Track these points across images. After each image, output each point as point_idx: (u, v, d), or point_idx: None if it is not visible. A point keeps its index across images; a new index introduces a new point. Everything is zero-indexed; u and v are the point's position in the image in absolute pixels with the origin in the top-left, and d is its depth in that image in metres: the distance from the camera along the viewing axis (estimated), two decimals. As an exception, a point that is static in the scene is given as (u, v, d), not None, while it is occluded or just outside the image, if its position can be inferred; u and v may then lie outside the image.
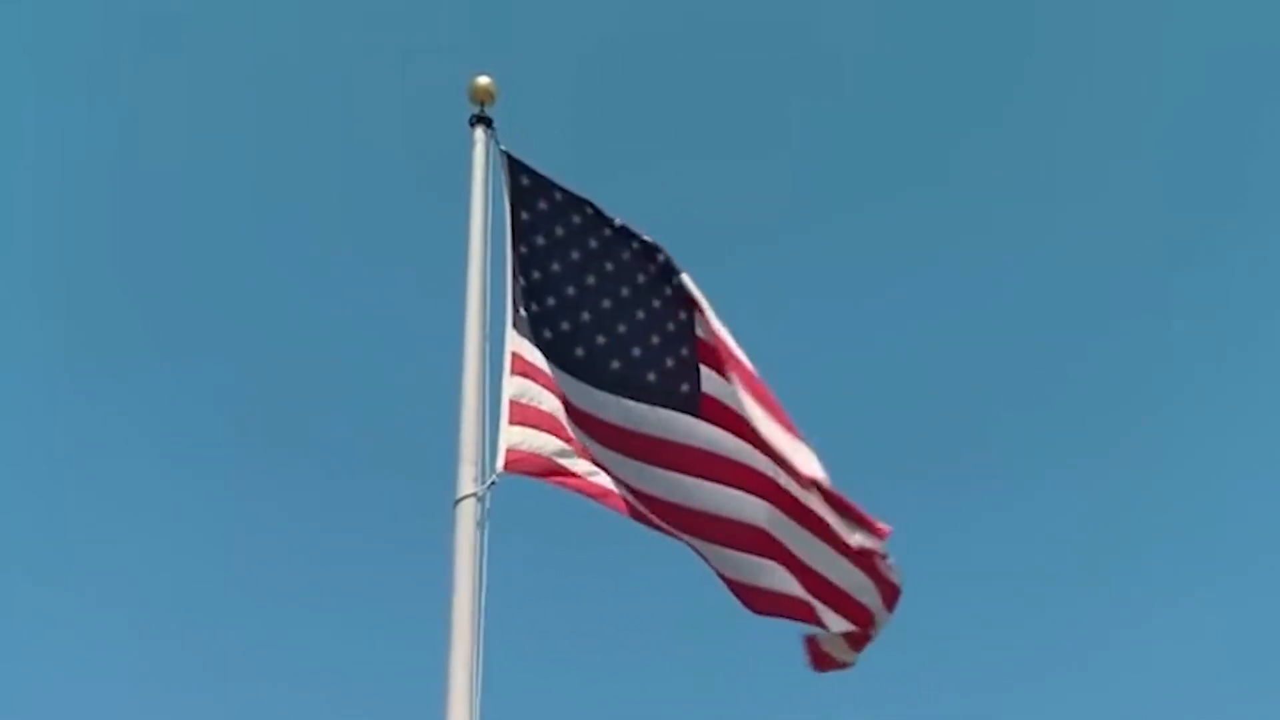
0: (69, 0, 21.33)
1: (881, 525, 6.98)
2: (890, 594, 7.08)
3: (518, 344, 6.81)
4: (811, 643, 7.19)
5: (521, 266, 7.19)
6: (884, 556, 6.84)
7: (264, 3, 22.24)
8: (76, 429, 21.28)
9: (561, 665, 19.12)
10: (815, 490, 6.81)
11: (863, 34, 23.70)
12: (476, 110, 7.58)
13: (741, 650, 16.00)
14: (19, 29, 21.02)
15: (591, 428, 6.98)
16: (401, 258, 21.95)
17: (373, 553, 20.82)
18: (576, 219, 7.38)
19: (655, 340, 7.25)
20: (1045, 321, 23.26)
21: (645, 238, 7.36)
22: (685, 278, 7.27)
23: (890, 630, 7.29)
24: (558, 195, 7.40)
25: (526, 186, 7.38)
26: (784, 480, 7.15)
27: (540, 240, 7.32)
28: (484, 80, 7.65)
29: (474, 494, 6.15)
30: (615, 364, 7.18)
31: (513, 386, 6.60)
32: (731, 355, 7.05)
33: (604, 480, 6.77)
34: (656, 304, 7.30)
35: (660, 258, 7.32)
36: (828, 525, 7.05)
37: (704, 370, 7.20)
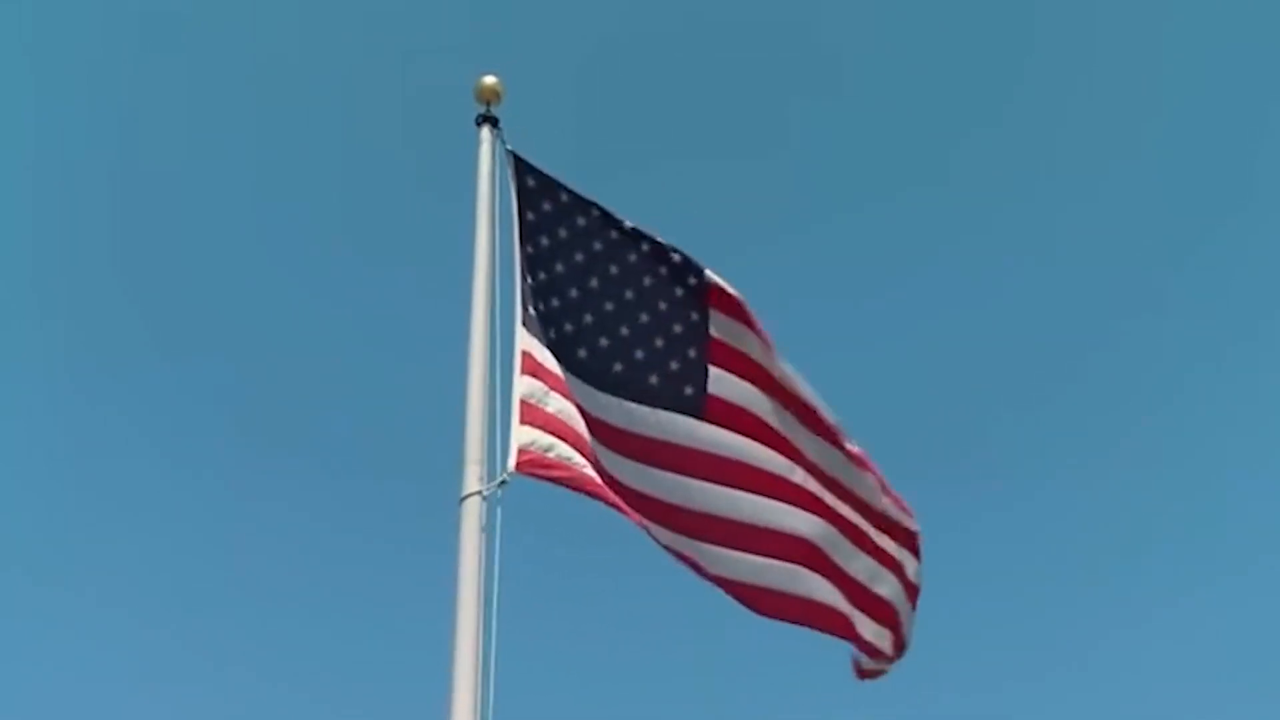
0: (69, 0, 21.34)
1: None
2: (912, 592, 7.13)
3: (527, 343, 6.79)
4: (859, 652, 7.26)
5: (528, 266, 7.20)
6: (913, 539, 6.93)
7: (264, 2, 22.25)
8: (76, 429, 21.29)
9: (566, 665, 19.12)
10: (851, 466, 6.90)
11: (863, 34, 23.73)
12: (482, 110, 7.58)
13: (743, 650, 16.03)
14: (19, 29, 21.04)
15: (594, 429, 6.99)
16: (402, 257, 22.00)
17: (377, 553, 20.85)
18: (582, 221, 7.38)
19: (659, 343, 7.27)
20: (1045, 321, 23.30)
21: (658, 239, 7.38)
22: (711, 274, 7.31)
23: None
24: (564, 196, 7.40)
25: (532, 187, 7.38)
26: (799, 477, 7.18)
27: (545, 241, 7.32)
28: (490, 80, 7.65)
29: (478, 492, 6.13)
30: (618, 366, 7.20)
31: (523, 385, 6.58)
32: (761, 357, 7.11)
33: (606, 483, 6.72)
34: (663, 306, 7.32)
35: (675, 258, 7.34)
36: (849, 522, 7.09)
37: (714, 371, 7.23)
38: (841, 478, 7.24)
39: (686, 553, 7.05)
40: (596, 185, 7.51)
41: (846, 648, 7.47)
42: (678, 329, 7.29)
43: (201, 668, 19.39)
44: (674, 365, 7.23)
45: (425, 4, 22.79)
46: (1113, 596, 20.78)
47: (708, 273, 7.34)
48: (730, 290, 7.34)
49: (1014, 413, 23.03)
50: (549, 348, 7.00)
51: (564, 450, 6.52)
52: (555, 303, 7.22)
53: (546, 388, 6.70)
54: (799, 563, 7.21)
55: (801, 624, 7.28)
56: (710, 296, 7.34)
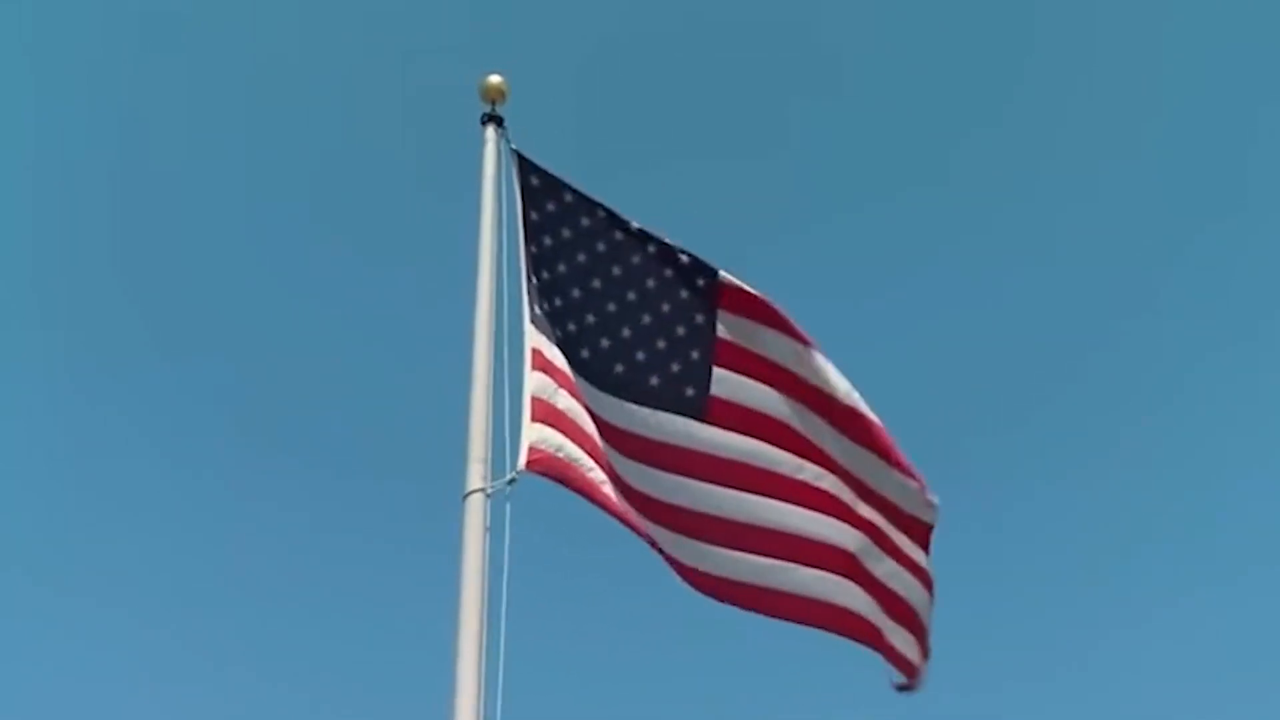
0: (69, 0, 21.34)
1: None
2: (926, 581, 7.12)
3: (537, 340, 6.81)
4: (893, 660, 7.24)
5: (533, 266, 7.21)
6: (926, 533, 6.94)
7: (264, 2, 22.25)
8: (77, 428, 21.29)
9: (569, 665, 19.11)
10: (882, 465, 6.90)
11: (864, 35, 23.75)
12: (487, 109, 7.61)
13: (746, 651, 16.04)
14: (19, 29, 21.04)
15: (599, 429, 7.00)
16: (404, 256, 22.00)
17: (380, 552, 20.84)
18: (586, 221, 7.39)
19: (661, 345, 7.27)
20: (1045, 322, 23.32)
21: (666, 240, 7.37)
22: (727, 276, 7.29)
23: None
24: (568, 197, 7.41)
25: (536, 187, 7.40)
26: (809, 476, 7.16)
27: (548, 241, 7.34)
28: (495, 79, 7.67)
29: (482, 489, 6.13)
30: (619, 368, 7.21)
31: (534, 382, 6.59)
32: (781, 356, 7.11)
33: (612, 490, 6.71)
34: (666, 308, 7.32)
35: (683, 260, 7.32)
36: (870, 523, 7.07)
37: (718, 372, 7.23)
38: (869, 479, 7.17)
39: (684, 558, 7.05)
40: (598, 184, 7.53)
41: (847, 647, 7.45)
42: (681, 331, 7.29)
43: (201, 668, 19.41)
44: (675, 367, 7.23)
45: (427, 3, 22.81)
46: (1113, 596, 20.82)
47: (722, 274, 7.30)
48: (749, 290, 7.29)
49: (1014, 413, 23.08)
50: (556, 346, 7.02)
51: (572, 450, 6.53)
52: (558, 302, 7.23)
53: (556, 385, 6.71)
54: (803, 563, 7.18)
55: (811, 625, 7.25)
56: (721, 298, 7.29)
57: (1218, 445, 21.96)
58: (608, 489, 6.65)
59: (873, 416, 7.16)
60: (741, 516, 7.15)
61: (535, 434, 6.37)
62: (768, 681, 17.52)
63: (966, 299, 23.35)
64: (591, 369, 7.13)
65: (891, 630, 7.23)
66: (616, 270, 7.35)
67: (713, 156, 23.53)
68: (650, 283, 7.35)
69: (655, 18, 23.28)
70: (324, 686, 19.63)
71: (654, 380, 7.19)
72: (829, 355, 7.25)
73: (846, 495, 7.22)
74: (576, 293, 7.28)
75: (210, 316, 21.91)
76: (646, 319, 7.31)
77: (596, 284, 7.31)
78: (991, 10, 23.49)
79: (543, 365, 6.70)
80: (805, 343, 7.25)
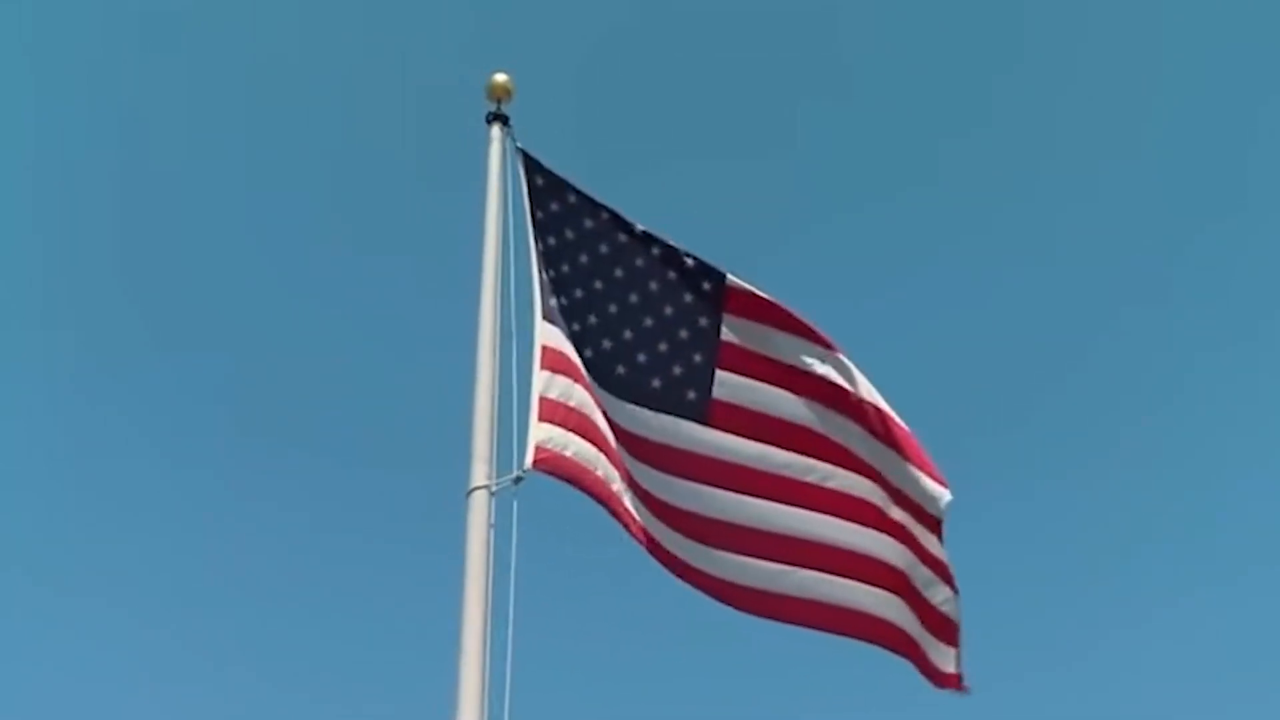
0: (69, 0, 21.33)
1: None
2: (944, 572, 7.10)
3: (548, 336, 6.79)
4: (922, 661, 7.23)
5: (543, 262, 7.21)
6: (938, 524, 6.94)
7: (265, 2, 22.25)
8: (77, 426, 21.26)
9: (573, 664, 19.10)
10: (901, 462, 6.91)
11: (866, 35, 23.74)
12: (493, 108, 7.63)
13: (749, 651, 16.04)
14: (19, 29, 21.03)
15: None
16: (407, 252, 22.00)
17: (383, 551, 20.82)
18: (589, 223, 7.40)
19: (663, 347, 7.27)
20: (1045, 321, 23.31)
21: (670, 244, 7.37)
22: (734, 279, 7.29)
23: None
24: (572, 198, 7.43)
25: (541, 186, 7.41)
26: (815, 477, 7.15)
27: (551, 241, 7.34)
28: (501, 77, 7.68)
29: (486, 486, 6.13)
30: (620, 369, 7.21)
31: (542, 380, 6.58)
32: (794, 359, 7.10)
33: (620, 490, 6.72)
34: (669, 311, 7.32)
35: (688, 263, 7.32)
36: (896, 524, 7.05)
37: (721, 375, 7.22)
38: (893, 478, 7.13)
39: (692, 561, 7.05)
40: (601, 182, 7.56)
41: (850, 648, 7.41)
42: (684, 334, 7.29)
43: (201, 668, 19.40)
44: (677, 370, 7.23)
45: (430, 3, 22.80)
46: (1113, 596, 20.82)
47: (730, 278, 7.30)
48: (760, 294, 7.28)
49: (1014, 412, 23.08)
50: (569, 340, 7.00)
51: (580, 448, 6.52)
52: (562, 301, 7.24)
53: (570, 381, 6.69)
54: (809, 566, 7.14)
55: (817, 629, 7.20)
56: (728, 302, 7.29)
57: (1218, 445, 21.98)
58: (616, 487, 6.65)
59: (896, 417, 7.15)
60: (744, 520, 7.13)
61: (543, 433, 6.37)
62: (772, 681, 17.53)
63: (966, 299, 23.37)
64: (594, 369, 7.12)
65: (915, 628, 7.19)
66: (619, 272, 7.36)
67: (715, 156, 23.56)
68: (653, 285, 7.35)
69: (659, 17, 23.31)
70: (325, 686, 19.65)
71: (655, 382, 7.20)
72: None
73: (869, 495, 7.16)
74: (579, 293, 7.29)
75: (213, 313, 21.92)
76: (649, 321, 7.31)
77: (599, 285, 7.32)
78: (992, 11, 23.52)
79: (553, 362, 6.69)
80: (828, 346, 7.24)
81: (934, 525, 7.08)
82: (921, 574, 7.12)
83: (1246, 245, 22.50)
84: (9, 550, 19.84)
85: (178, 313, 21.84)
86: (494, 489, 6.15)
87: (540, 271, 7.10)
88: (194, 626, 19.47)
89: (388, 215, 22.08)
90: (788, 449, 7.19)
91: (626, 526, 6.69)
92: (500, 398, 6.53)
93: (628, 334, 7.25)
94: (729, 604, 7.14)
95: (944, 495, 7.01)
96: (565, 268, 7.31)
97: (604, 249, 7.37)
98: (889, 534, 7.17)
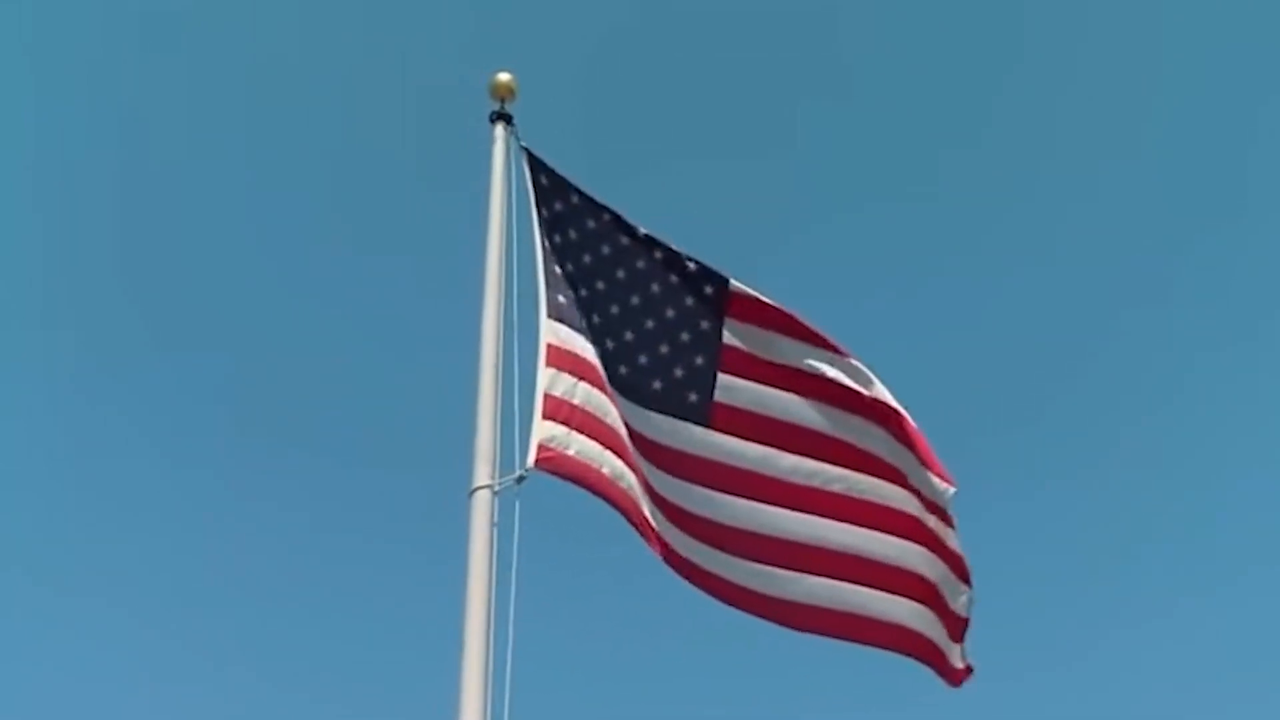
0: (69, 0, 21.33)
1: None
2: (962, 570, 7.09)
3: (553, 334, 6.76)
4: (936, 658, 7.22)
5: (553, 259, 7.21)
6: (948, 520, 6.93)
7: (265, 2, 22.24)
8: (77, 426, 21.25)
9: (576, 664, 19.11)
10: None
11: (868, 36, 23.74)
12: (497, 106, 7.62)
13: (752, 651, 16.03)
14: (19, 29, 21.03)
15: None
16: (409, 251, 22.00)
17: (385, 551, 20.83)
18: (592, 224, 7.40)
19: (664, 349, 7.27)
20: (1045, 322, 23.32)
21: (672, 248, 7.38)
22: (737, 284, 7.29)
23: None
24: (574, 199, 7.42)
25: (545, 186, 7.41)
26: (819, 481, 7.13)
27: (556, 239, 7.34)
28: (505, 76, 7.68)
29: (489, 485, 6.12)
30: (621, 370, 7.20)
31: (546, 378, 6.56)
32: (799, 362, 7.10)
33: (626, 487, 6.68)
34: (670, 313, 7.32)
35: (690, 267, 7.32)
36: (901, 515, 7.04)
37: (723, 379, 7.21)
38: (914, 479, 7.10)
39: (701, 563, 7.03)
40: (603, 182, 7.56)
41: (848, 648, 7.41)
42: (685, 337, 7.29)
43: (201, 668, 19.40)
44: (679, 372, 7.23)
45: (431, 2, 22.79)
46: (1113, 596, 20.83)
47: (733, 283, 7.31)
48: (763, 300, 7.28)
49: (1014, 412, 23.08)
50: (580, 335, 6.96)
51: (584, 446, 6.49)
52: (567, 299, 7.24)
53: (575, 378, 6.66)
54: (817, 573, 7.13)
55: (823, 634, 7.17)
56: (731, 306, 7.29)
57: (1218, 445, 21.99)
58: (624, 485, 6.62)
59: (909, 418, 7.14)
60: (746, 524, 7.12)
61: (546, 431, 6.35)
62: (773, 681, 17.52)
63: (966, 299, 23.38)
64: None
65: (941, 636, 7.18)
66: (621, 274, 7.36)
67: (717, 156, 23.57)
68: (655, 287, 7.35)
69: (660, 17, 23.31)
70: (327, 686, 19.66)
71: (656, 384, 7.19)
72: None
73: (891, 500, 7.13)
74: (582, 292, 7.28)
75: (213, 313, 21.91)
76: (650, 323, 7.31)
77: (601, 286, 7.32)
78: (993, 12, 23.52)
79: (558, 360, 6.66)
80: (838, 352, 7.24)
81: (950, 521, 7.09)
82: (950, 581, 7.13)
83: (1247, 246, 22.53)
84: (9, 550, 19.86)
85: (178, 313, 21.84)
86: (497, 489, 6.13)
87: (546, 269, 7.09)
88: (194, 626, 19.49)
89: (388, 215, 22.10)
90: (793, 452, 7.18)
91: (633, 523, 6.66)
92: (506, 397, 6.52)
93: (629, 335, 7.25)
94: (740, 608, 7.12)
95: (949, 490, 7.00)
96: (569, 267, 7.31)
97: (606, 250, 7.37)
98: (916, 541, 7.15)
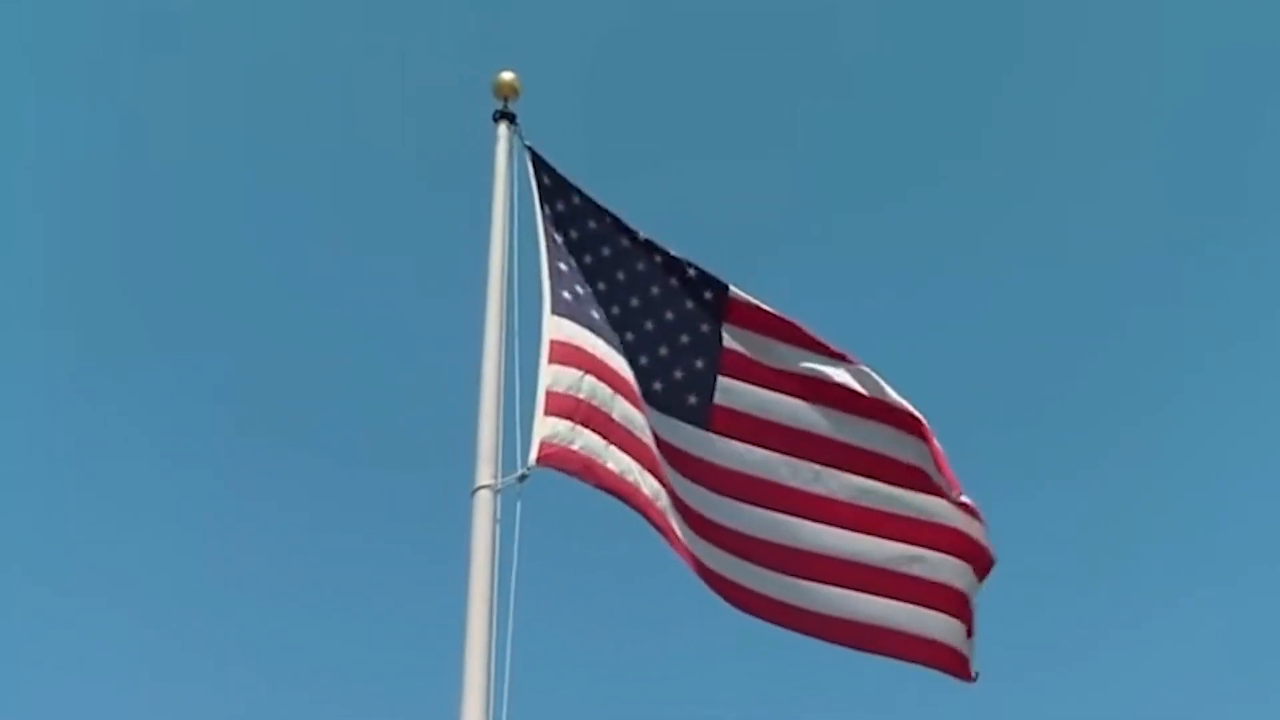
0: (69, 0, 21.32)
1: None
2: (981, 559, 7.08)
3: (557, 331, 6.73)
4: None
5: (557, 256, 7.20)
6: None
7: (265, 2, 22.23)
8: (77, 426, 21.22)
9: (578, 664, 19.08)
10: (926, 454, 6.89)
11: (870, 36, 23.73)
12: (500, 105, 7.63)
13: (755, 649, 15.99)
14: (19, 29, 21.02)
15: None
16: (411, 250, 21.96)
17: (386, 550, 20.79)
18: (592, 224, 7.41)
19: (664, 351, 7.27)
20: (1045, 322, 23.30)
21: (672, 253, 7.39)
22: (736, 291, 7.29)
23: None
24: (576, 199, 7.43)
25: (547, 185, 7.41)
26: (822, 488, 7.12)
27: (558, 239, 7.34)
28: (508, 75, 7.68)
29: (490, 485, 6.11)
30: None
31: (549, 375, 6.53)
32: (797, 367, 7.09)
33: (635, 480, 6.65)
34: (670, 316, 7.32)
35: (689, 273, 7.34)
36: (919, 522, 7.03)
37: (723, 382, 7.22)
38: (934, 476, 7.08)
39: (712, 565, 7.02)
40: (604, 181, 7.58)
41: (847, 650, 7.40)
42: (685, 339, 7.30)
43: (201, 668, 19.38)
44: (679, 374, 7.23)
45: (433, 2, 22.78)
46: (1113, 596, 20.80)
47: (732, 289, 7.32)
48: (763, 307, 7.29)
49: (1014, 413, 23.05)
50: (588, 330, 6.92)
51: (588, 440, 6.45)
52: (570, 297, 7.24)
53: (581, 373, 6.62)
54: (817, 579, 7.11)
55: (831, 641, 7.15)
56: (730, 311, 7.30)
57: (1218, 445, 21.97)
58: (632, 478, 6.59)
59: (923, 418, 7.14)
60: (747, 529, 7.11)
61: (548, 428, 6.32)
62: (774, 681, 17.50)
63: (968, 299, 23.37)
64: None
65: (935, 627, 7.17)
66: (621, 275, 7.36)
67: (718, 156, 23.55)
68: (655, 290, 7.36)
69: (661, 17, 23.31)
70: (327, 686, 19.63)
71: (656, 385, 7.18)
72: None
73: (906, 510, 7.11)
74: (582, 293, 7.29)
75: (213, 313, 21.87)
76: (650, 325, 7.31)
77: (602, 286, 7.32)
78: (994, 11, 23.52)
79: (563, 356, 6.63)
80: (843, 359, 7.24)
81: (978, 514, 7.10)
82: (972, 582, 7.13)
83: (1248, 246, 22.51)
84: (9, 550, 19.83)
85: (178, 313, 21.82)
86: (499, 488, 6.12)
87: (550, 265, 7.07)
88: (194, 626, 19.46)
89: (389, 214, 22.08)
90: (794, 455, 7.17)
91: (646, 516, 6.63)
92: (508, 395, 6.52)
93: (629, 336, 7.24)
94: (749, 613, 7.11)
95: (958, 496, 7.02)
96: (572, 264, 7.31)
97: (606, 251, 7.38)
98: (942, 550, 7.15)
